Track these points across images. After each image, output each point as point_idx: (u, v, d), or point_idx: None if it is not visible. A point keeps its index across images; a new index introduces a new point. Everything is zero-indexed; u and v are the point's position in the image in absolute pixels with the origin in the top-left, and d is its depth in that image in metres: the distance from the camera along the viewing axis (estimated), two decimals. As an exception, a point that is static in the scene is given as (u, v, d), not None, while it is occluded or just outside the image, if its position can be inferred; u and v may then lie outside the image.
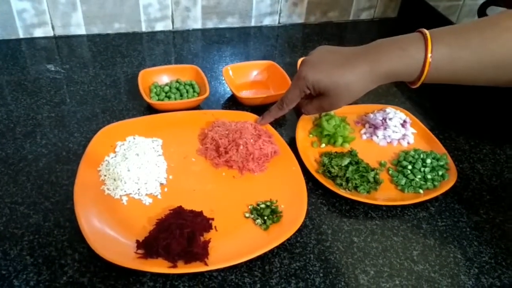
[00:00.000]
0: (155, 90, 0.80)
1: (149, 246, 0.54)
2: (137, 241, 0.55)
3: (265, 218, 0.60)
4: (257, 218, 0.60)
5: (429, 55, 0.56)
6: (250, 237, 0.58)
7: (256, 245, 0.56)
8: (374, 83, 0.61)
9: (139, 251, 0.54)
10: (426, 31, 0.57)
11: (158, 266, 0.53)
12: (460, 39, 0.56)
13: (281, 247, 0.57)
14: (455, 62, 0.56)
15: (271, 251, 0.56)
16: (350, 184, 0.65)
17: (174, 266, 0.53)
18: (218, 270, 0.54)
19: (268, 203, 0.62)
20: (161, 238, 0.54)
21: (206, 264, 0.53)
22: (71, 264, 0.54)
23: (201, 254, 0.54)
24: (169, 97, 0.80)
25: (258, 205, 0.62)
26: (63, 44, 0.97)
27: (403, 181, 0.67)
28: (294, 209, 0.61)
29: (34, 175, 0.65)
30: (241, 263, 0.55)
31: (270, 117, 0.73)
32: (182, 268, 0.53)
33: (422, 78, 0.58)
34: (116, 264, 0.52)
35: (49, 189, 0.63)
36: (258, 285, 0.53)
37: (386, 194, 0.66)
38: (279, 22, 1.11)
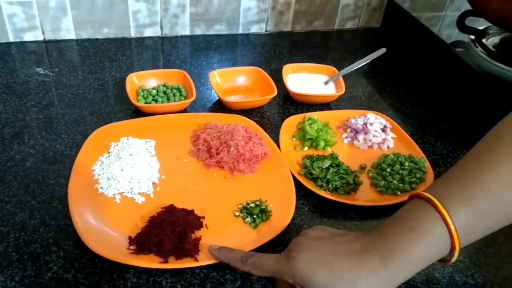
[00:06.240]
0: (142, 93, 0.82)
1: (141, 242, 0.56)
2: (130, 237, 0.57)
3: (255, 216, 0.62)
4: (247, 217, 0.62)
5: (450, 223, 0.42)
6: (239, 235, 0.60)
7: (245, 242, 0.58)
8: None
9: (131, 247, 0.56)
10: (428, 195, 0.44)
11: (150, 262, 0.54)
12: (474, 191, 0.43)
13: (263, 245, 0.59)
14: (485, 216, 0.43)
15: (253, 250, 0.58)
16: (330, 185, 0.67)
17: (166, 262, 0.54)
18: (201, 267, 0.56)
19: (258, 203, 0.64)
20: (153, 235, 0.55)
21: (196, 260, 0.55)
22: (56, 260, 0.55)
23: (192, 250, 0.55)
24: (156, 101, 0.81)
25: (248, 204, 0.64)
26: (52, 48, 0.99)
27: (382, 183, 0.69)
28: (283, 208, 0.63)
29: (21, 175, 0.66)
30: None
31: (221, 255, 0.54)
32: (173, 264, 0.54)
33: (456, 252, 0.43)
34: (109, 259, 0.54)
35: (36, 188, 0.64)
36: (239, 282, 0.55)
37: (366, 196, 0.68)
38: (266, 30, 1.14)
